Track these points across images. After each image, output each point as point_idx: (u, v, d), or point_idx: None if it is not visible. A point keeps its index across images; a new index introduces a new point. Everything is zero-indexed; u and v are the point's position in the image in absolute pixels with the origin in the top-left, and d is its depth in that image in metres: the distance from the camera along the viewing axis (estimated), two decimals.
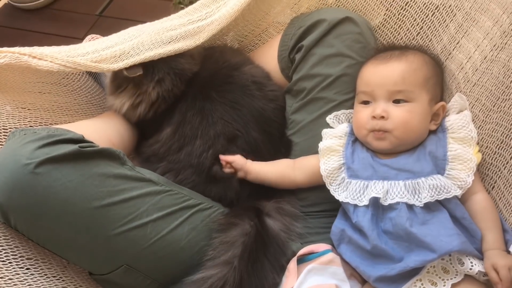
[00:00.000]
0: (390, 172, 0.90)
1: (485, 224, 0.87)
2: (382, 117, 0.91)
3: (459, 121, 0.91)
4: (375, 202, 0.88)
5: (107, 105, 1.16)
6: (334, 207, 0.98)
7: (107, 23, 2.28)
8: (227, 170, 1.02)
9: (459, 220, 0.86)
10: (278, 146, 1.09)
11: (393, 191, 0.87)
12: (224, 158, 1.01)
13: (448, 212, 0.86)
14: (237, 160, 1.01)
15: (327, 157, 0.96)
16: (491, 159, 0.96)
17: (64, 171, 0.83)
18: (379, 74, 0.95)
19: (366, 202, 0.88)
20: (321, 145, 0.98)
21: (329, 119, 1.04)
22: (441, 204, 0.86)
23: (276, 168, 1.02)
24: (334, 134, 0.99)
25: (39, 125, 1.03)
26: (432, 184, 0.86)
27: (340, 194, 0.92)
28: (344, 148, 0.97)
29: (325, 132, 1.01)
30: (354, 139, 0.98)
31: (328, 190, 0.95)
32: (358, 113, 0.96)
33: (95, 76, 1.28)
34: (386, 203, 0.87)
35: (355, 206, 0.90)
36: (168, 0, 1.99)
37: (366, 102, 0.96)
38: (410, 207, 0.86)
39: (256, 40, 1.29)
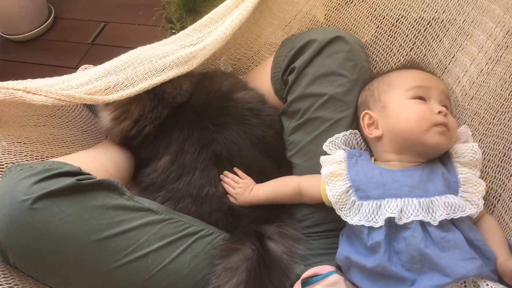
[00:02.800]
0: (403, 189, 0.87)
1: (496, 240, 0.86)
2: (446, 115, 0.92)
3: (462, 147, 0.91)
4: (389, 222, 0.85)
5: (100, 124, 1.16)
6: (336, 227, 0.97)
7: (100, 51, 2.29)
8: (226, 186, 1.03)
9: (473, 242, 0.84)
10: (283, 169, 1.09)
11: (408, 209, 0.84)
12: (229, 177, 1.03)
13: (462, 234, 0.84)
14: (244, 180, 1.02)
15: (332, 182, 0.93)
16: (495, 172, 0.96)
17: (62, 205, 0.83)
18: (433, 78, 0.99)
19: (382, 222, 0.85)
20: (323, 171, 0.95)
21: (326, 146, 1.02)
22: (455, 225, 0.84)
23: (281, 195, 1.02)
24: (333, 160, 0.97)
25: (36, 159, 1.02)
26: (447, 202, 0.84)
27: (353, 218, 0.89)
28: (347, 170, 0.94)
29: (323, 159, 0.98)
30: (355, 161, 0.96)
31: (330, 209, 0.93)
32: (415, 107, 0.93)
33: (90, 106, 1.28)
34: (401, 223, 0.84)
35: (370, 228, 0.87)
36: (158, 26, 2.00)
37: (421, 98, 0.94)
38: (424, 226, 0.84)
39: (249, 63, 1.29)
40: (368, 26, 1.16)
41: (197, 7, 1.89)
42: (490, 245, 0.85)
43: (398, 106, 0.95)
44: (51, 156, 1.06)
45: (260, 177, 1.05)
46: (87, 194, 0.86)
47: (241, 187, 1.02)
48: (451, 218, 0.83)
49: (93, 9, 2.53)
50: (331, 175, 0.94)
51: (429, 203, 0.84)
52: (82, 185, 0.85)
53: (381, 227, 0.85)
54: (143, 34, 2.28)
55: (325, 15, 1.19)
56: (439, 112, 0.90)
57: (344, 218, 0.90)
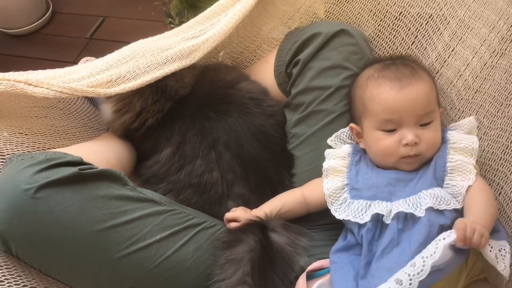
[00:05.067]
0: (395, 194, 0.89)
1: (467, 211, 0.84)
2: (415, 142, 0.89)
3: (461, 136, 0.91)
4: (376, 221, 0.87)
5: (101, 116, 1.16)
6: (338, 220, 0.97)
7: (98, 46, 2.28)
8: (233, 225, 0.97)
9: None
10: (281, 161, 1.09)
11: (394, 208, 0.86)
12: (227, 216, 0.98)
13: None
14: (241, 215, 0.97)
15: (332, 177, 0.96)
16: (497, 165, 0.96)
17: (65, 195, 0.82)
18: (406, 99, 0.90)
19: (368, 219, 0.87)
20: (325, 165, 0.97)
21: (331, 141, 1.03)
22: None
23: (287, 209, 0.99)
24: (337, 155, 0.98)
25: (37, 150, 1.02)
26: (433, 193, 0.85)
27: (341, 213, 0.91)
28: (348, 168, 0.96)
29: (328, 152, 1.00)
30: (358, 159, 0.97)
31: None
32: (382, 140, 0.92)
33: (91, 99, 1.27)
34: (388, 221, 0.86)
35: (359, 225, 0.89)
36: (158, 21, 2.00)
37: (391, 130, 0.92)
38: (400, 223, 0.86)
39: (252, 56, 1.29)
40: (371, 19, 1.16)
41: (197, 2, 1.88)
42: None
43: (369, 135, 0.95)
44: (52, 147, 1.05)
45: (252, 167, 1.05)
46: (90, 183, 0.86)
47: (240, 209, 1.00)
48: (437, 208, 0.83)
49: (91, 3, 2.52)
50: (333, 170, 0.96)
51: (415, 199, 0.86)
52: (84, 175, 0.85)
53: (368, 223, 0.87)
54: (142, 29, 2.26)
55: (325, 11, 1.19)
56: (406, 144, 0.89)
57: (333, 212, 0.93)
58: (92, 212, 0.84)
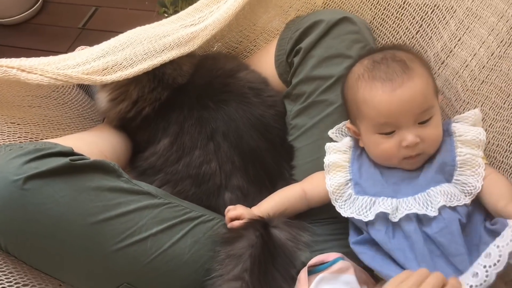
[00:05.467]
0: (400, 191, 0.87)
1: (494, 197, 0.82)
2: (416, 143, 0.85)
3: (467, 128, 0.88)
4: (384, 218, 0.85)
5: (97, 106, 1.14)
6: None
7: (91, 36, 2.25)
8: (236, 224, 0.93)
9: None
10: (281, 153, 1.07)
11: (402, 206, 0.84)
12: (230, 215, 0.94)
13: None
14: (244, 212, 0.94)
15: (334, 173, 0.93)
16: (502, 157, 0.94)
17: (56, 186, 0.79)
18: (401, 100, 0.85)
19: (371, 217, 0.85)
20: (326, 160, 0.94)
21: (332, 133, 1.00)
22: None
23: (288, 205, 0.97)
24: (338, 149, 0.96)
25: (30, 140, 0.99)
26: (443, 190, 0.83)
27: (346, 210, 0.89)
28: (350, 163, 0.94)
29: (328, 146, 0.97)
30: (360, 153, 0.95)
31: None
32: (381, 144, 0.88)
33: (86, 89, 1.24)
34: (395, 220, 0.83)
35: (368, 222, 0.86)
36: (151, 11, 1.96)
37: (389, 133, 0.88)
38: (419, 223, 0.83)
39: (251, 46, 1.26)
40: (370, 11, 1.14)
41: None
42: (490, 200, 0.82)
43: (367, 138, 0.92)
44: (45, 138, 1.03)
45: (251, 158, 1.03)
46: (82, 175, 0.83)
47: (241, 207, 0.96)
48: (449, 205, 0.81)
49: None
50: (334, 165, 0.94)
51: (425, 196, 0.84)
52: (76, 166, 0.82)
53: (375, 221, 0.85)
54: (135, 19, 2.20)
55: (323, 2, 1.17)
56: (407, 146, 0.86)
57: (338, 209, 0.90)
58: (84, 205, 0.81)
